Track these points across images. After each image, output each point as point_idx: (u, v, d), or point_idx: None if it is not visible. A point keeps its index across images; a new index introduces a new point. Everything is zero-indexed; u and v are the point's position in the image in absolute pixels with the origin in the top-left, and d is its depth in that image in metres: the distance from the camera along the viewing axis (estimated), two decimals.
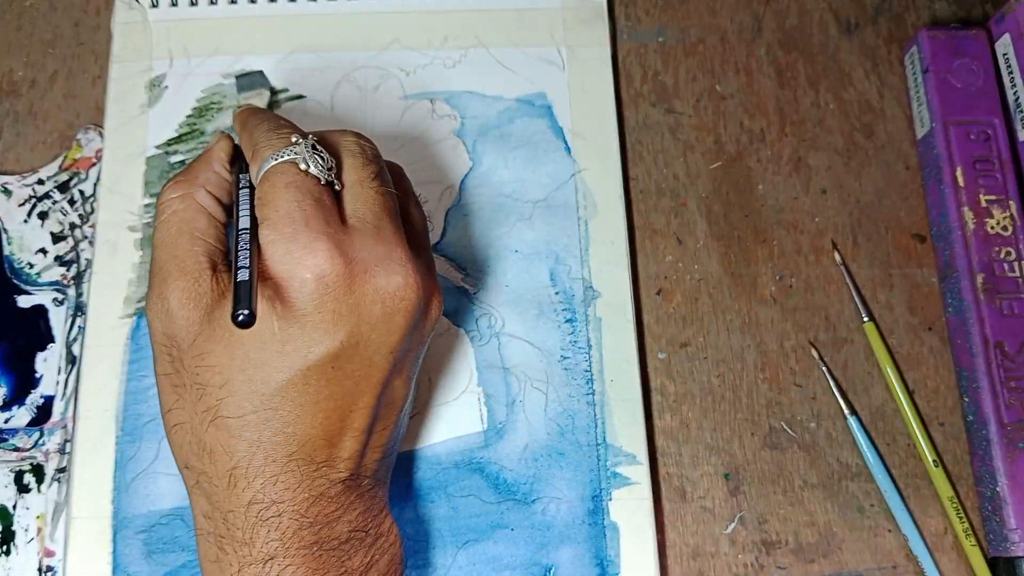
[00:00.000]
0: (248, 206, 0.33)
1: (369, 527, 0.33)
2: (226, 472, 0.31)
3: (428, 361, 0.42)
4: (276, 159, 0.33)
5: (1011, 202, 0.44)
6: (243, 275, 0.30)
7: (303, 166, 0.33)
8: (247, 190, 0.34)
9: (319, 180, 0.33)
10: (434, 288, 0.35)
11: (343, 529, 0.32)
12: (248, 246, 0.31)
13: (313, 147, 0.33)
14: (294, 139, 0.33)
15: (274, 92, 0.46)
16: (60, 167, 0.46)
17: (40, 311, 0.43)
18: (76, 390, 0.42)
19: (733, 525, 0.42)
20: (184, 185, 0.35)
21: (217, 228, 0.34)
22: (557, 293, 0.43)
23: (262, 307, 0.31)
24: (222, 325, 0.32)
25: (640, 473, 0.41)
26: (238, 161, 0.36)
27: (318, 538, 0.31)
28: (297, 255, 0.31)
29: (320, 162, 0.33)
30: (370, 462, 0.34)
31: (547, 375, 0.42)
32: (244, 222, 0.32)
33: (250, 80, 0.45)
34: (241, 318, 0.28)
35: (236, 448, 0.31)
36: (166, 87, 0.46)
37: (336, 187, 0.34)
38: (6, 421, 0.42)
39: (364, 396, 0.33)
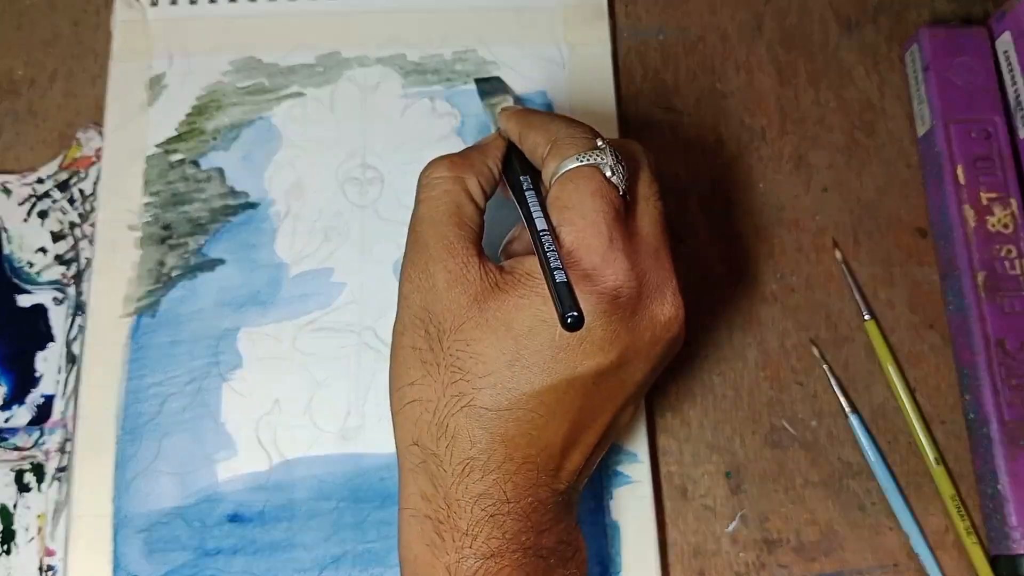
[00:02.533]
0: (541, 208, 0.32)
1: (571, 540, 0.33)
2: (463, 460, 0.31)
3: None
4: (581, 160, 0.32)
5: (1012, 200, 0.44)
6: (561, 276, 0.29)
7: (608, 173, 0.32)
8: (533, 192, 0.33)
9: (619, 191, 0.32)
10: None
11: (552, 540, 0.32)
12: (555, 248, 0.30)
13: (615, 154, 0.32)
14: (599, 143, 0.33)
15: (517, 99, 0.45)
16: (60, 166, 0.46)
17: (40, 310, 0.43)
18: (76, 389, 0.42)
19: (734, 524, 0.42)
20: (457, 168, 0.34)
21: (481, 220, 0.34)
22: None
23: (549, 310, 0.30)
24: (496, 317, 0.31)
25: (641, 471, 0.41)
26: (512, 163, 0.36)
27: (534, 544, 0.31)
28: (600, 269, 0.31)
29: (621, 171, 0.32)
30: (582, 479, 0.34)
31: None
32: (541, 223, 0.31)
33: (491, 85, 0.44)
34: (571, 320, 0.28)
35: (480, 439, 0.31)
36: (166, 86, 0.46)
37: (627, 198, 0.33)
38: (6, 420, 0.42)
39: (603, 415, 0.33)
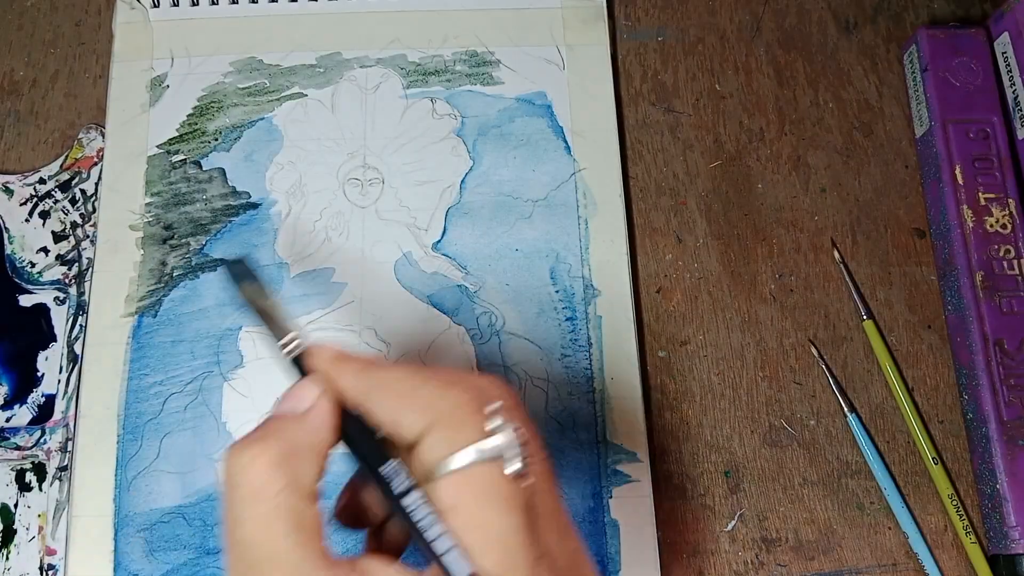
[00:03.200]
0: (432, 516, 0.25)
1: None
2: None
3: (428, 359, 0.42)
4: (479, 454, 0.25)
5: (1010, 200, 0.44)
6: None
7: (512, 468, 0.25)
8: (412, 487, 0.26)
9: (524, 481, 0.25)
10: None
11: None
12: None
13: (514, 430, 0.26)
14: (496, 422, 0.26)
15: (268, 291, 0.31)
16: (61, 166, 0.46)
17: (42, 310, 0.43)
18: (77, 389, 0.42)
19: (733, 523, 0.42)
20: (286, 464, 0.26)
21: (319, 512, 0.26)
22: (557, 292, 0.44)
23: None
24: None
25: (640, 471, 0.41)
26: (358, 444, 0.28)
27: None
28: None
29: (525, 455, 0.25)
30: None
31: (547, 373, 0.42)
32: (444, 543, 0.25)
33: (240, 269, 0.31)
34: None
35: None
36: (167, 86, 0.46)
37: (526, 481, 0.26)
38: (8, 420, 0.42)
39: None
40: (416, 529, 0.25)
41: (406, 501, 0.25)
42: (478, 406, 0.26)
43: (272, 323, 0.30)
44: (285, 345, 0.29)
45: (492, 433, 0.25)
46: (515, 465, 0.25)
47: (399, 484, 0.26)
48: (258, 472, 0.25)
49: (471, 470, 0.25)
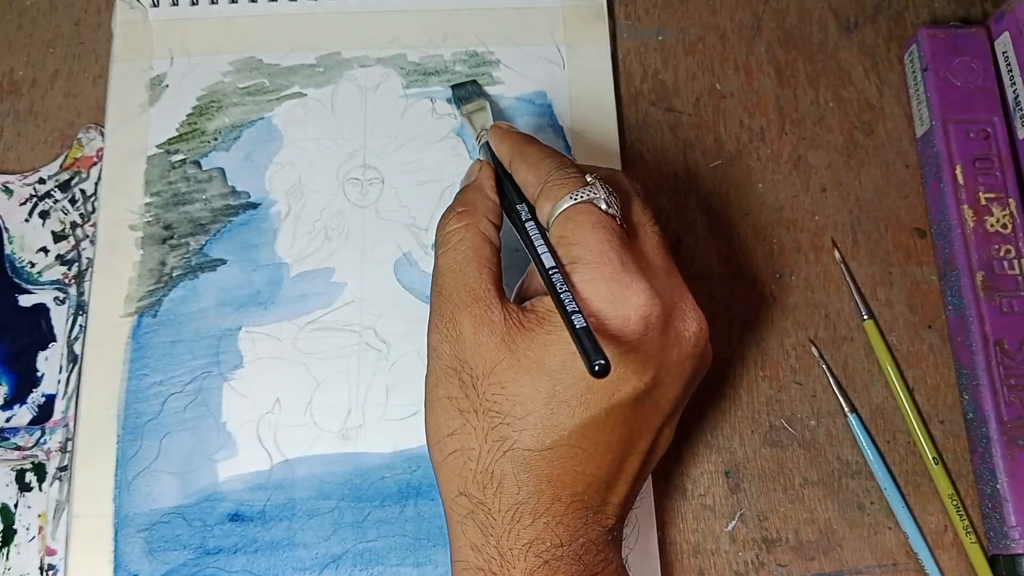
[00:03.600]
0: (545, 243, 0.33)
1: None
2: (512, 506, 0.30)
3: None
4: (575, 198, 0.32)
5: (1011, 200, 0.44)
6: (580, 321, 0.29)
7: (603, 206, 0.32)
8: (533, 223, 0.34)
9: (617, 220, 0.33)
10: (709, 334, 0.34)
11: None
12: (567, 287, 0.30)
13: (606, 187, 0.33)
14: (588, 178, 0.33)
15: (492, 103, 0.46)
16: (61, 166, 0.46)
17: (41, 310, 0.43)
18: (77, 389, 0.42)
19: (733, 523, 0.42)
20: (466, 215, 0.35)
21: (498, 255, 0.34)
22: None
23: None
24: (527, 356, 0.31)
25: None
26: (506, 191, 0.36)
27: None
28: (621, 295, 0.31)
29: (615, 203, 0.33)
30: (625, 512, 0.33)
31: None
32: (548, 260, 0.32)
33: (467, 91, 0.45)
34: (598, 368, 0.27)
35: (527, 482, 0.30)
36: (167, 86, 0.46)
37: (624, 227, 0.33)
38: (8, 420, 0.42)
39: (642, 441, 0.32)
40: (533, 249, 0.33)
41: (528, 226, 0.33)
42: (580, 173, 0.33)
43: (476, 124, 0.43)
44: (479, 137, 0.42)
45: (587, 186, 0.33)
46: (603, 205, 0.32)
47: (525, 216, 0.34)
48: (447, 222, 0.35)
49: (572, 208, 0.32)
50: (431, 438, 0.33)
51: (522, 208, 0.35)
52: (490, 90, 0.47)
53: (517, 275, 0.37)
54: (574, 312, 0.29)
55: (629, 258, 0.31)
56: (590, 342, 0.28)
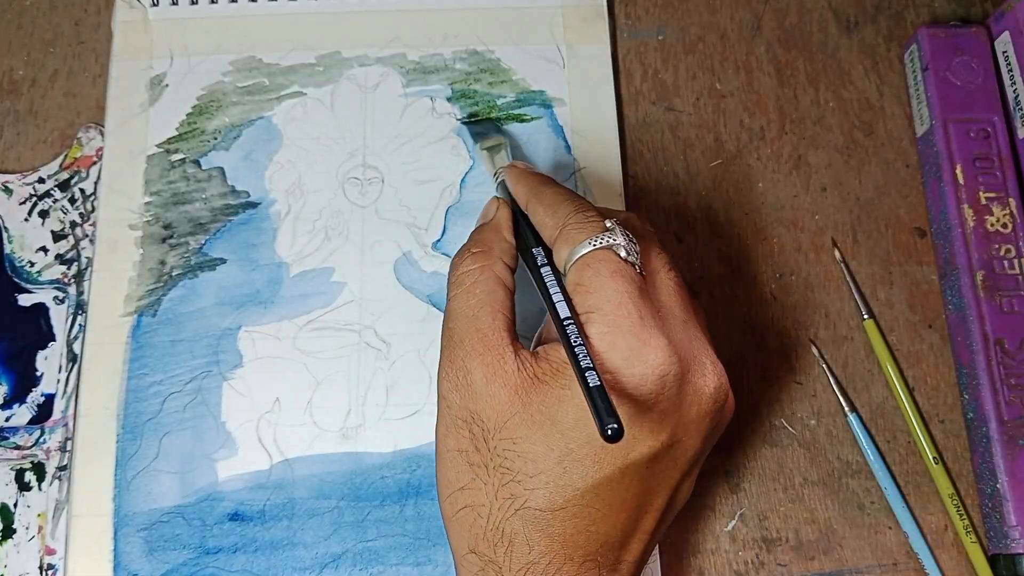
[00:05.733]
0: (561, 291, 0.31)
1: None
2: (523, 566, 0.30)
3: (428, 359, 0.42)
4: (594, 244, 0.31)
5: (1011, 199, 0.44)
6: (594, 379, 0.27)
7: (623, 253, 0.31)
8: (549, 270, 0.32)
9: (636, 268, 0.31)
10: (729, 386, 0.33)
11: None
12: (581, 341, 0.29)
13: (626, 233, 0.32)
14: (608, 224, 0.32)
15: (511, 139, 0.44)
16: (61, 166, 0.46)
17: (41, 309, 0.43)
18: (77, 388, 0.42)
19: (733, 523, 0.42)
20: (481, 256, 0.34)
21: (512, 299, 0.33)
22: None
23: None
24: (540, 411, 0.30)
25: None
26: (523, 233, 0.35)
27: None
28: (638, 351, 0.30)
29: (635, 249, 0.31)
30: (641, 566, 0.32)
31: None
32: (564, 309, 0.30)
33: (484, 128, 0.44)
34: (611, 432, 0.26)
35: (538, 541, 0.30)
36: (166, 86, 0.46)
37: (643, 275, 0.32)
38: (7, 419, 0.42)
39: (659, 497, 0.32)
40: (545, 295, 0.31)
41: (543, 271, 0.32)
42: (600, 218, 0.32)
43: (493, 161, 0.41)
44: (496, 175, 0.39)
45: (606, 232, 0.31)
46: (623, 253, 0.31)
47: (540, 260, 0.33)
48: (461, 261, 0.34)
49: (590, 255, 0.31)
50: (441, 491, 0.32)
51: (538, 252, 0.33)
52: (490, 90, 0.47)
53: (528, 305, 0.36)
54: (588, 369, 0.28)
55: (648, 311, 0.30)
56: (603, 403, 0.27)
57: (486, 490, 0.30)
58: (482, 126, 0.44)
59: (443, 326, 0.33)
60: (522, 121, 0.46)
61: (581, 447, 0.29)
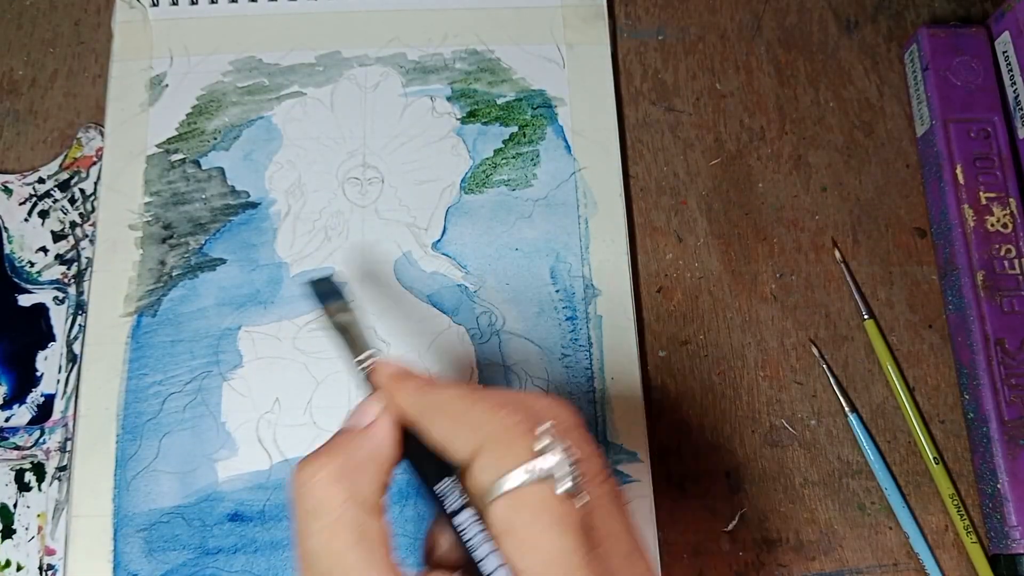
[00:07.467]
0: (481, 535, 0.25)
1: None
2: None
3: (428, 359, 0.42)
4: (528, 474, 0.25)
5: (1011, 199, 0.44)
6: None
7: (564, 487, 0.25)
8: (465, 505, 0.26)
9: (577, 497, 0.25)
10: None
11: None
12: None
13: (564, 449, 0.25)
14: (545, 441, 0.25)
15: (351, 305, 0.32)
16: (61, 166, 0.46)
17: (41, 310, 0.43)
18: (77, 388, 0.42)
19: (734, 523, 0.42)
20: (346, 480, 0.26)
21: (387, 525, 0.26)
22: (557, 291, 0.43)
23: None
24: None
25: (641, 471, 0.41)
26: (419, 459, 0.27)
27: None
28: None
29: (576, 467, 0.25)
30: None
31: (547, 373, 0.42)
32: (491, 562, 0.24)
33: (326, 287, 0.32)
34: None
35: None
36: (166, 86, 0.46)
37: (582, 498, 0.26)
38: (7, 419, 0.42)
39: None
40: (467, 548, 0.25)
41: (458, 520, 0.26)
42: (528, 427, 0.26)
43: (351, 339, 0.31)
44: (361, 361, 0.30)
45: (542, 453, 0.25)
46: (566, 484, 0.25)
47: (452, 503, 0.26)
48: (320, 485, 0.26)
49: (522, 491, 0.25)
50: None
51: (450, 490, 0.26)
52: (490, 90, 0.47)
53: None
54: None
55: (593, 568, 0.24)
56: None
57: None
58: (322, 285, 0.32)
59: (299, 547, 0.26)
60: (522, 122, 0.46)
61: None
